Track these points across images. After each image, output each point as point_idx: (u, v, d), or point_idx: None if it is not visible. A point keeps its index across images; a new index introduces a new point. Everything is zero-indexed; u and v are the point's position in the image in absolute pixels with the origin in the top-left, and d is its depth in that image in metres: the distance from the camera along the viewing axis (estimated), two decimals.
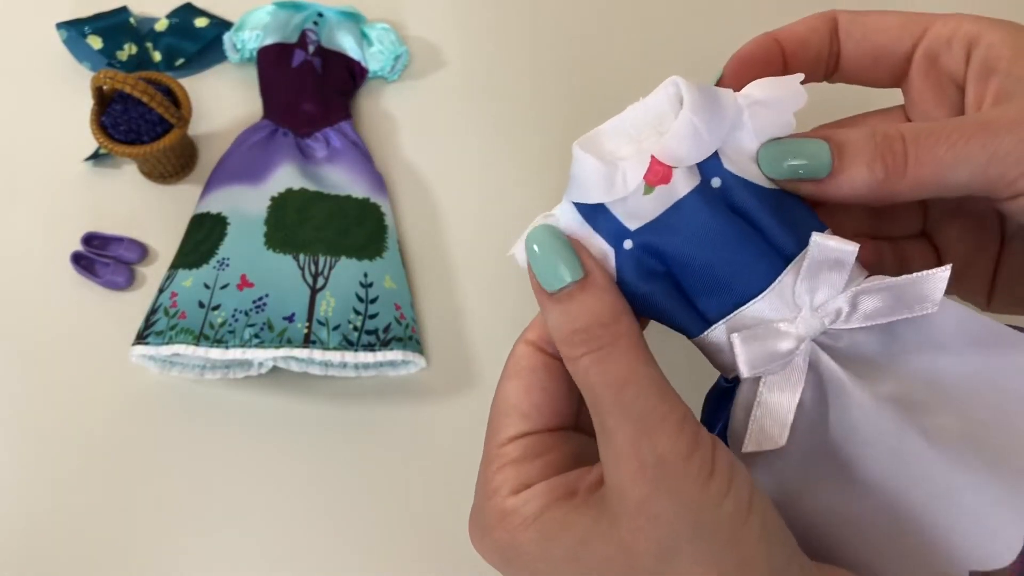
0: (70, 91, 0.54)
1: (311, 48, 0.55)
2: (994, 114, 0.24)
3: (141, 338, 0.43)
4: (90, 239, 0.49)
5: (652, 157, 0.25)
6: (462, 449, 0.45)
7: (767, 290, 0.24)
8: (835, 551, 0.24)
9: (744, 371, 0.24)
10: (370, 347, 0.43)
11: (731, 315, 0.24)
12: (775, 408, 0.24)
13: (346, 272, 0.46)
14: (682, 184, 0.25)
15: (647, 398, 0.22)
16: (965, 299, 0.31)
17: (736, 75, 0.29)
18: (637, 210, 0.25)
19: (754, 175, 0.25)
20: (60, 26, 0.54)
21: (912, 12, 0.28)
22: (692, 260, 0.24)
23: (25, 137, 0.53)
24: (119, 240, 0.49)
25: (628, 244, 0.25)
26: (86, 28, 0.55)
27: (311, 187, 0.49)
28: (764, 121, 0.25)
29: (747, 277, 0.24)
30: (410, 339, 0.45)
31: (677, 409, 0.22)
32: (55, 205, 0.51)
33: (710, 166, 0.25)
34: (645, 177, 0.25)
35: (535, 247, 0.25)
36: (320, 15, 0.56)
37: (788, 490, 0.24)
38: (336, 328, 0.44)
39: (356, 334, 0.44)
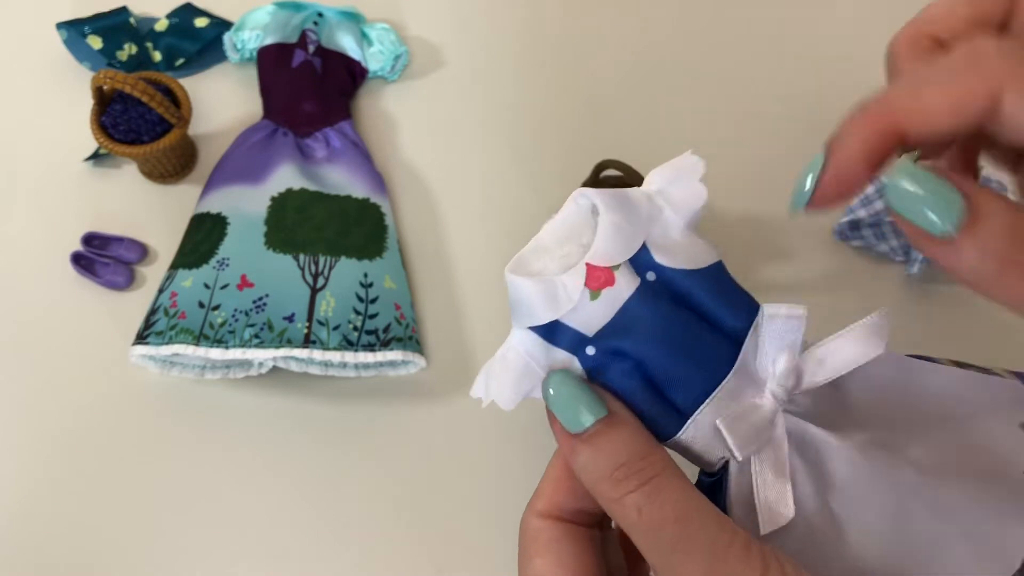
0: (70, 91, 0.54)
1: (311, 48, 0.55)
2: None
3: (141, 338, 0.43)
4: (90, 239, 0.49)
5: (587, 264, 0.25)
6: (461, 449, 0.45)
7: (732, 371, 0.25)
8: None
9: (738, 454, 0.24)
10: (370, 347, 0.43)
11: (705, 403, 0.24)
12: (774, 483, 0.24)
13: (346, 272, 0.46)
14: (626, 284, 0.25)
15: (710, 526, 0.22)
16: None
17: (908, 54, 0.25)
18: (589, 317, 0.25)
19: (684, 261, 0.25)
20: (60, 26, 0.55)
21: None
22: (654, 357, 0.25)
23: (25, 137, 0.53)
24: (119, 240, 0.49)
25: (591, 350, 0.25)
26: (86, 28, 0.55)
27: (311, 187, 0.49)
28: (677, 198, 0.26)
29: (710, 363, 0.25)
30: (410, 339, 0.45)
31: (738, 532, 0.22)
32: (55, 205, 0.51)
33: (642, 261, 0.26)
34: (587, 284, 0.25)
35: (551, 391, 0.25)
36: (320, 15, 0.56)
37: (802, 563, 0.24)
38: (336, 328, 0.44)
39: (356, 334, 0.44)
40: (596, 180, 0.49)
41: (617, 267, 0.25)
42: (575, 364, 0.26)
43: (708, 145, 0.56)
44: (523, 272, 0.26)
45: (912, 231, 0.21)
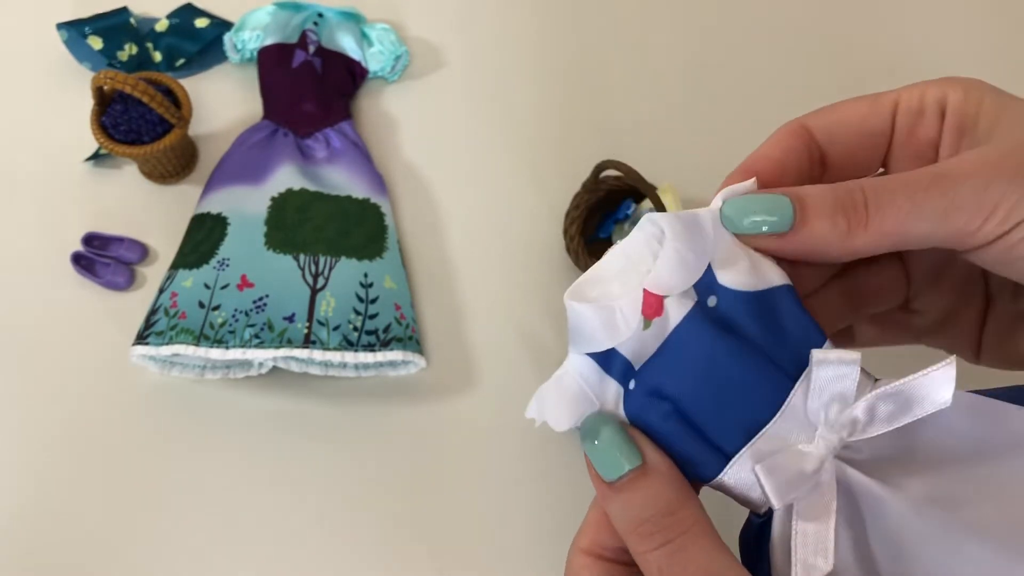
0: (70, 91, 0.54)
1: (311, 48, 0.55)
2: (951, 164, 0.24)
3: (141, 338, 0.43)
4: (90, 239, 0.49)
5: (644, 291, 0.24)
6: (462, 449, 0.45)
7: (779, 413, 0.23)
8: None
9: (775, 502, 0.23)
10: (370, 347, 0.43)
11: (748, 445, 0.24)
12: (814, 535, 0.23)
13: (346, 272, 0.46)
14: (675, 311, 0.24)
15: None
16: (951, 351, 0.31)
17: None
18: (641, 347, 0.25)
19: (747, 280, 0.24)
20: (60, 26, 0.55)
21: (874, 94, 0.27)
22: (694, 394, 0.24)
23: (25, 137, 0.53)
24: (119, 240, 0.49)
25: (632, 384, 0.25)
26: (86, 28, 0.55)
27: (311, 187, 0.49)
28: None
29: (756, 402, 0.24)
30: (410, 339, 0.45)
31: None
32: (55, 205, 0.51)
33: (704, 284, 0.25)
34: (642, 311, 0.24)
35: (588, 437, 0.24)
36: (320, 15, 0.57)
37: None
38: (336, 328, 0.44)
39: (356, 334, 0.44)
40: (596, 180, 0.49)
41: (676, 296, 0.24)
42: (621, 401, 0.25)
43: (708, 146, 0.56)
44: (580, 298, 0.25)
45: (759, 242, 0.24)
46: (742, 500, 0.25)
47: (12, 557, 0.42)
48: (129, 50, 0.55)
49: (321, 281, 0.45)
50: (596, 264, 0.26)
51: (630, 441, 0.24)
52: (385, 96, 0.57)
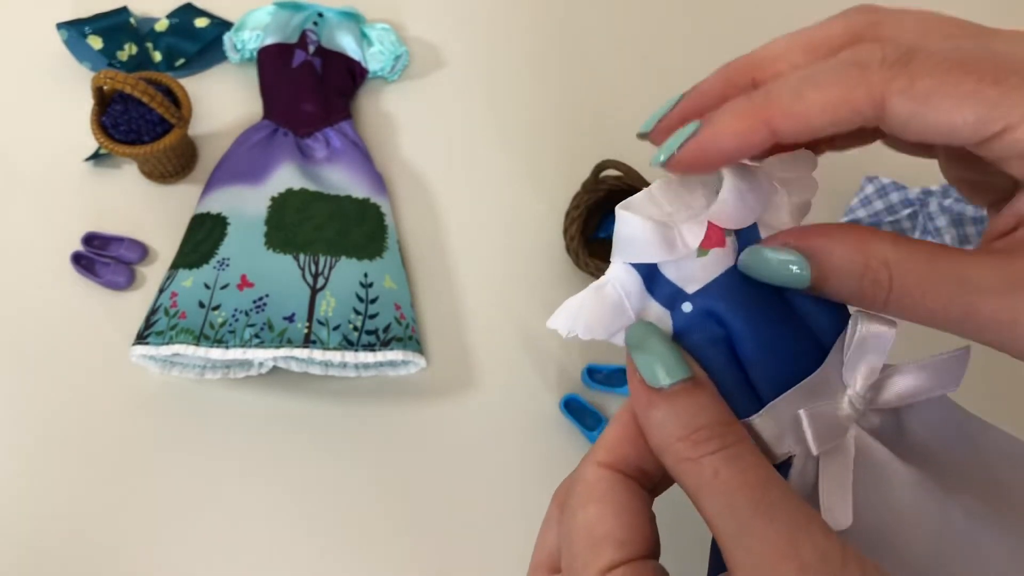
0: (70, 91, 0.54)
1: (311, 48, 0.55)
2: (984, 273, 0.22)
3: (141, 338, 0.43)
4: (90, 239, 0.49)
5: (709, 223, 0.25)
6: (462, 449, 0.46)
7: (819, 369, 0.24)
8: None
9: (815, 449, 0.24)
10: (370, 347, 0.43)
11: (787, 392, 0.24)
12: (837, 489, 0.24)
13: (346, 272, 0.46)
14: (733, 251, 0.25)
15: (792, 498, 0.22)
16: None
17: (693, 106, 0.27)
18: (691, 273, 0.25)
19: None
20: (60, 26, 0.55)
21: (992, 94, 0.22)
22: (747, 331, 0.24)
23: (25, 137, 0.53)
24: (119, 240, 0.49)
25: (687, 307, 0.25)
26: (86, 28, 0.55)
27: (311, 187, 0.49)
28: (791, 185, 0.26)
29: (796, 354, 0.24)
30: (410, 339, 0.45)
31: (815, 510, 0.22)
32: (55, 205, 0.51)
33: (750, 238, 0.25)
34: (702, 243, 0.25)
35: (637, 340, 0.24)
36: (320, 15, 0.57)
37: None
38: (336, 328, 0.44)
39: (356, 334, 0.44)
40: (596, 180, 0.49)
41: (729, 233, 0.25)
42: (667, 322, 0.25)
43: None
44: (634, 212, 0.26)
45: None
46: (762, 446, 0.25)
47: (12, 556, 0.42)
48: (129, 50, 0.55)
49: (321, 281, 0.45)
50: (645, 189, 0.26)
51: (678, 352, 0.24)
52: (385, 96, 0.57)
